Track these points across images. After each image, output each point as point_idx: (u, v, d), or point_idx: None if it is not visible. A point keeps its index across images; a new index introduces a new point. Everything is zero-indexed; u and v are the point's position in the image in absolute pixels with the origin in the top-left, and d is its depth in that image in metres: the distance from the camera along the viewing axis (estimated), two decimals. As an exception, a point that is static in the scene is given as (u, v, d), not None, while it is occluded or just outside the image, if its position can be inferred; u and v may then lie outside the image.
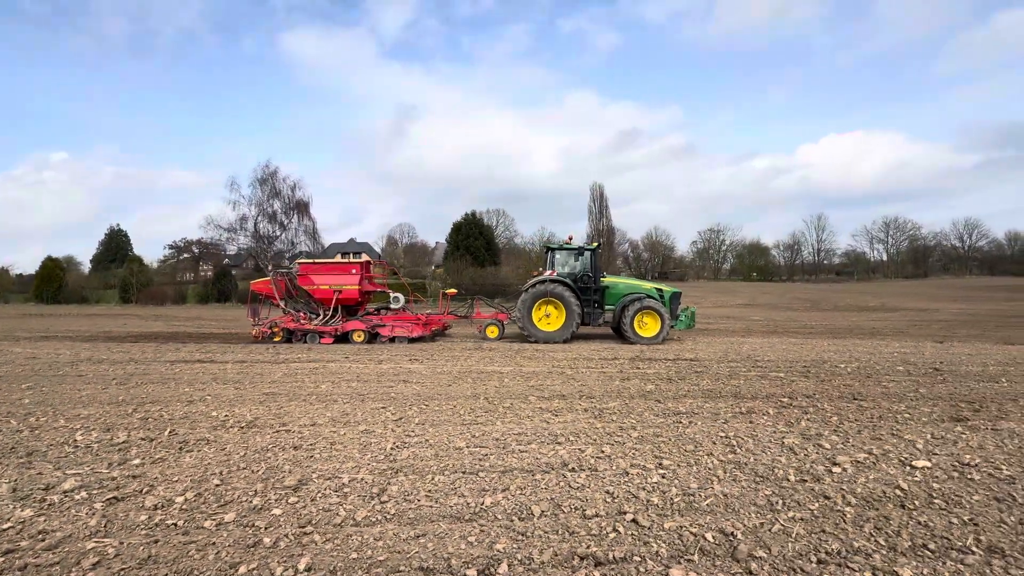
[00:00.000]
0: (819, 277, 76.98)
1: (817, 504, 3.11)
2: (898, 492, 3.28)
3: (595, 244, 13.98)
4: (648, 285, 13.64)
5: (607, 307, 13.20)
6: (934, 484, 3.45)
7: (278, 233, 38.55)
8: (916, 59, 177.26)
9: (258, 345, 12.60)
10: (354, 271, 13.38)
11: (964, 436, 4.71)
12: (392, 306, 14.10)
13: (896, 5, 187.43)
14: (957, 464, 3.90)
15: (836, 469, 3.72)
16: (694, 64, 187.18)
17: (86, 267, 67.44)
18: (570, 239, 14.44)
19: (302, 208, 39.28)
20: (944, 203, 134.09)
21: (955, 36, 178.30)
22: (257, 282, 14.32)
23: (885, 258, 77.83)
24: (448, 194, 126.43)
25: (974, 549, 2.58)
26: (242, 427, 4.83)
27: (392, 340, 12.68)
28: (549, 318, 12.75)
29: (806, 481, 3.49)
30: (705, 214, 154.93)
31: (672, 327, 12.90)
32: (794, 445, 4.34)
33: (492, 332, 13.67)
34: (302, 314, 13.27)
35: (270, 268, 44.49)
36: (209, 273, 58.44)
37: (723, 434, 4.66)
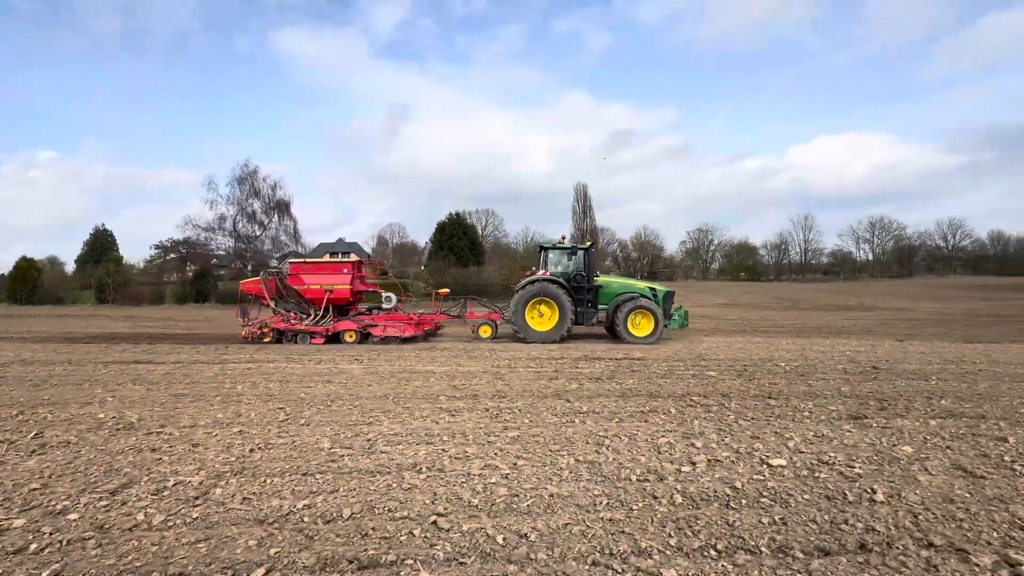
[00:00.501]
0: (806, 277, 77.44)
1: (640, 504, 3.07)
2: (729, 491, 3.25)
3: (588, 243, 13.90)
4: (642, 284, 13.55)
5: (600, 307, 13.11)
6: (772, 483, 3.43)
7: (258, 233, 38.32)
8: (905, 61, 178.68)
9: (206, 345, 12.47)
10: (345, 271, 13.22)
11: (847, 434, 4.70)
12: (384, 306, 13.95)
13: (885, 8, 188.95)
14: (815, 462, 3.88)
15: (686, 468, 3.69)
16: (688, 65, 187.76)
17: (71, 267, 66.80)
18: (563, 239, 14.33)
19: (282, 208, 39.05)
20: (932, 204, 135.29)
21: (943, 39, 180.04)
22: (246, 282, 14.12)
23: (871, 258, 78.32)
24: (442, 194, 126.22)
25: (762, 549, 2.54)
26: (117, 429, 4.75)
27: (384, 340, 12.53)
28: (543, 318, 12.67)
29: (646, 481, 3.45)
30: (698, 214, 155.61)
31: (665, 327, 12.83)
32: (665, 444, 4.30)
33: (485, 332, 13.46)
34: (292, 314, 13.10)
35: (249, 268, 44.22)
36: (250, 273, 58.18)
37: (603, 433, 4.62)
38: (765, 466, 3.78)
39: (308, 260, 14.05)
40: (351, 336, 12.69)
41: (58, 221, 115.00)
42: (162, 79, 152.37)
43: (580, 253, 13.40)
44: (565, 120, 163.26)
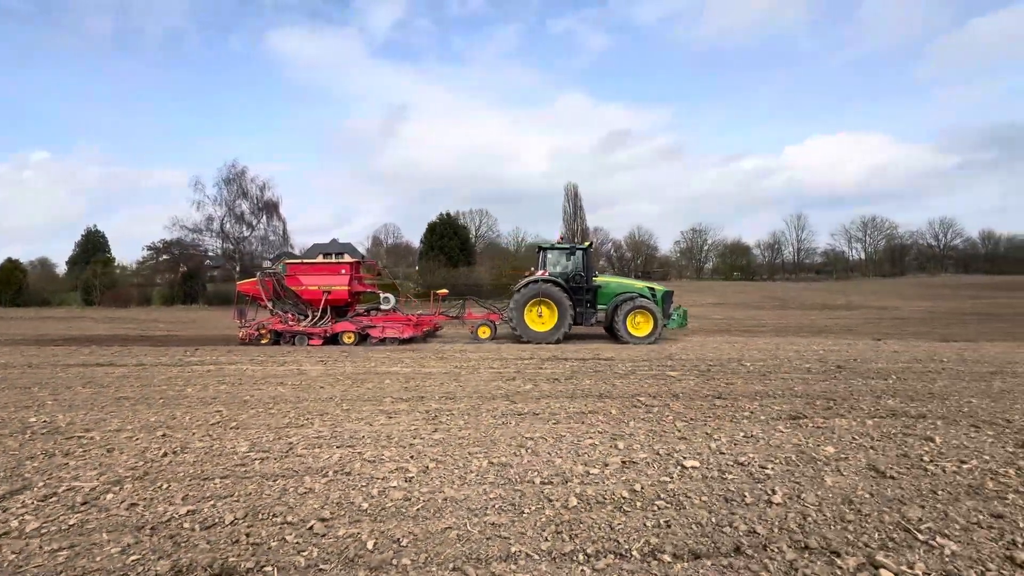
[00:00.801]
0: (799, 276, 77.62)
1: (533, 508, 3.04)
2: (627, 494, 3.22)
3: (587, 244, 13.82)
4: (640, 284, 13.50)
5: (599, 307, 13.05)
6: (676, 485, 3.40)
7: (246, 234, 38.16)
8: (899, 62, 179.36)
9: (179, 347, 12.38)
10: (343, 271, 13.06)
11: (777, 434, 4.68)
12: (382, 307, 13.82)
13: (878, 9, 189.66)
14: (730, 463, 3.86)
15: (596, 471, 3.66)
16: (684, 65, 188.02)
17: (62, 268, 66.48)
18: (561, 239, 14.26)
19: (271, 208, 38.89)
20: (926, 203, 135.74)
21: (936, 39, 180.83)
22: (243, 283, 13.96)
23: (863, 257, 78.57)
24: (439, 194, 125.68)
25: (632, 552, 2.52)
26: (42, 433, 4.70)
27: (383, 341, 12.44)
28: (542, 318, 12.61)
29: (549, 484, 3.42)
30: (694, 214, 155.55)
31: (664, 326, 12.78)
32: (588, 446, 4.27)
33: (484, 333, 13.35)
34: (290, 315, 12.99)
35: (238, 270, 44.04)
36: (200, 273, 57.93)
37: (531, 435, 4.59)
38: (678, 468, 3.76)
39: (306, 261, 13.80)
40: (349, 337, 12.56)
41: (52, 222, 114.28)
42: (157, 79, 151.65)
43: (579, 253, 13.35)
44: (562, 120, 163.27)
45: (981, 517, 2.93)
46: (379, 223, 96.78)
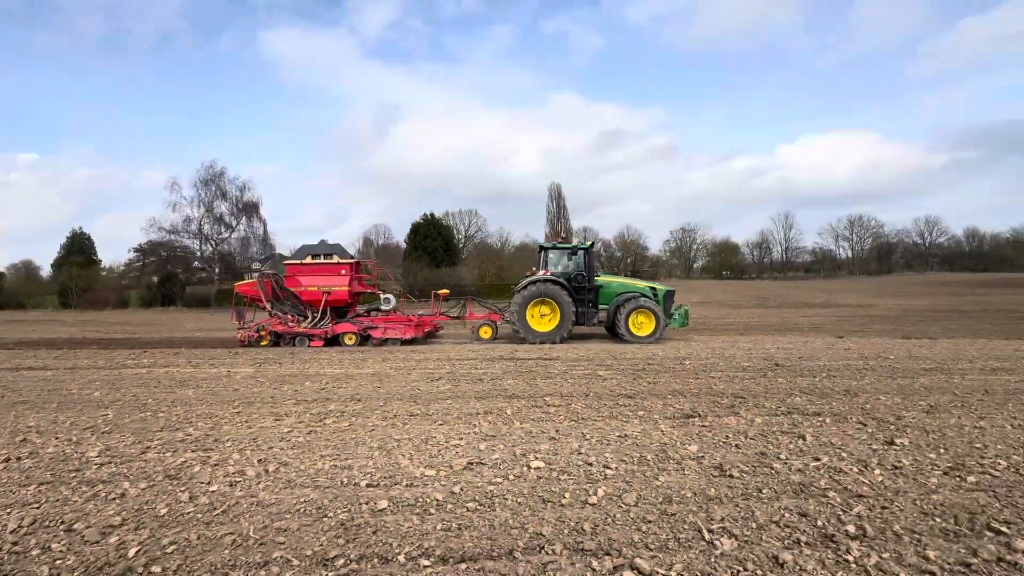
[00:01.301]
0: (787, 275, 77.93)
1: (334, 512, 2.97)
2: (440, 497, 3.15)
3: (589, 243, 13.71)
4: (641, 284, 13.45)
5: (601, 307, 13.01)
6: (506, 486, 3.35)
7: (225, 235, 37.94)
8: (889, 62, 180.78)
9: (129, 350, 12.24)
10: (343, 272, 12.96)
11: (654, 433, 4.64)
12: (383, 307, 13.70)
13: (869, 10, 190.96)
14: (577, 463, 3.80)
15: (431, 473, 3.60)
16: (677, 66, 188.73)
17: (48, 271, 65.85)
18: (562, 239, 14.26)
19: (251, 209, 38.68)
20: (916, 202, 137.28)
21: (925, 40, 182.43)
22: (241, 284, 13.78)
23: (850, 255, 79.03)
24: (432, 195, 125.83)
25: (398, 557, 2.45)
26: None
27: (384, 342, 12.35)
28: (544, 318, 12.55)
29: (375, 486, 3.36)
30: (687, 214, 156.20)
31: (666, 326, 12.72)
32: (451, 447, 4.21)
33: (485, 333, 13.31)
34: (290, 316, 12.87)
35: (217, 271, 43.73)
36: (179, 275, 57.54)
37: (401, 437, 4.52)
38: (522, 469, 3.70)
39: (305, 261, 13.65)
40: (351, 338, 12.45)
41: (42, 224, 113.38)
42: (148, 80, 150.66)
43: (581, 253, 13.28)
44: (555, 120, 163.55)
45: (786, 516, 2.89)
46: (371, 223, 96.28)
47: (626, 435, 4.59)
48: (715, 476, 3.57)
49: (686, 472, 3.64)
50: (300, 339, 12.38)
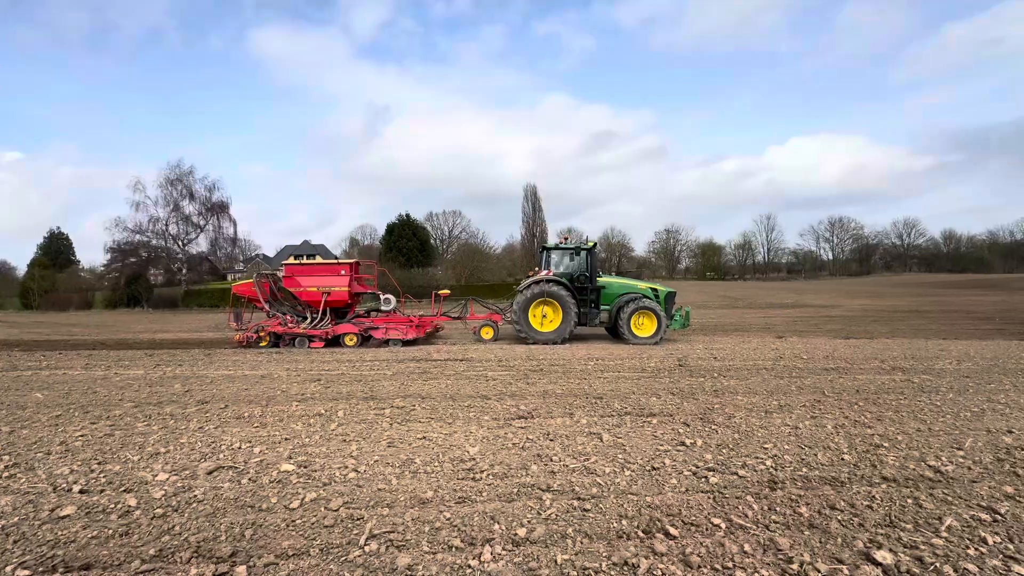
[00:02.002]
0: (768, 276, 78.42)
1: (125, 506, 2.88)
2: (133, 503, 3.07)
3: (592, 244, 13.47)
4: (643, 285, 13.36)
5: (603, 307, 12.90)
6: (227, 486, 3.26)
7: (193, 236, 37.56)
8: (875, 66, 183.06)
9: (50, 352, 12.02)
10: (343, 272, 12.75)
11: (462, 435, 4.58)
12: (383, 308, 13.51)
13: (855, 14, 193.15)
14: (331, 466, 3.73)
15: (162, 476, 3.51)
16: (666, 68, 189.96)
17: (23, 272, 64.94)
18: (565, 239, 13.90)
19: (219, 210, 38.31)
20: (901, 203, 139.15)
21: (909, 45, 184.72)
22: (239, 284, 13.62)
23: (831, 257, 79.68)
24: (422, 195, 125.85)
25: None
26: None
27: (386, 343, 12.19)
28: (546, 318, 12.44)
29: (87, 491, 3.27)
30: (677, 215, 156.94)
31: (667, 327, 12.62)
32: (226, 448, 4.13)
33: (487, 333, 13.19)
34: (289, 317, 12.65)
35: (185, 272, 43.28)
36: (159, 278, 56.84)
37: (260, 435, 4.50)
38: (267, 472, 3.62)
39: (304, 261, 13.49)
40: (352, 339, 12.25)
41: (25, 224, 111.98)
42: (134, 78, 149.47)
43: (583, 253, 13.14)
44: (545, 122, 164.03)
45: (475, 520, 2.82)
46: (363, 225, 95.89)
47: (427, 437, 4.51)
48: (460, 479, 3.50)
49: (428, 471, 3.57)
50: (300, 340, 12.15)
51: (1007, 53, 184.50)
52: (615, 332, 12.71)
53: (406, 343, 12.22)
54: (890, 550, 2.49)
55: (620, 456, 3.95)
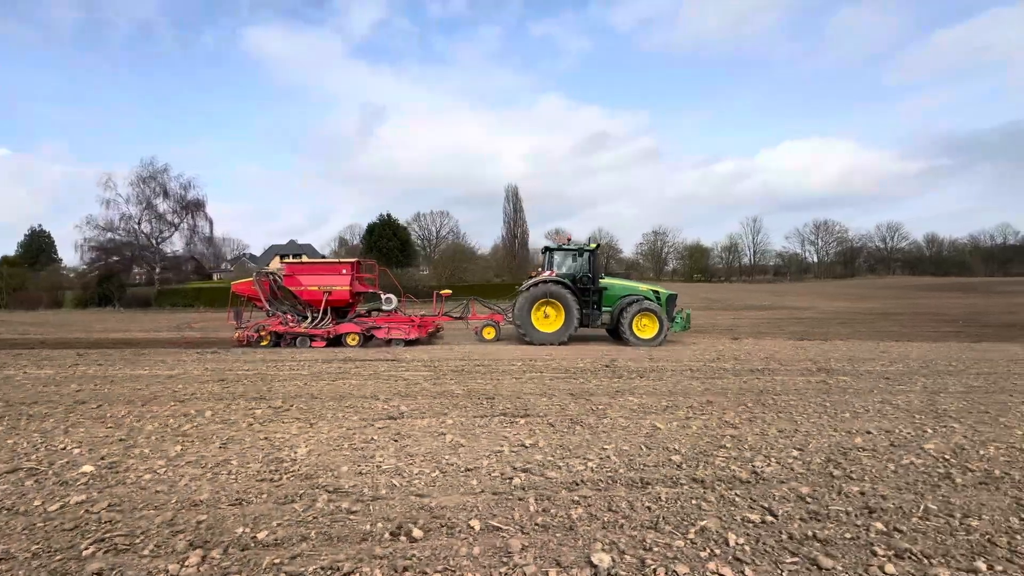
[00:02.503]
0: (754, 278, 78.80)
1: None
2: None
3: (595, 245, 13.49)
4: (645, 287, 13.33)
5: (604, 309, 12.82)
6: (42, 482, 3.17)
7: (167, 234, 37.17)
8: (868, 70, 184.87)
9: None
10: (344, 271, 12.60)
11: (319, 433, 4.51)
12: (384, 307, 13.29)
13: (848, 17, 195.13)
14: (145, 466, 3.63)
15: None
16: (661, 69, 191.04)
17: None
18: (568, 240, 13.82)
19: (193, 208, 37.94)
20: (892, 207, 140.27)
21: (900, 50, 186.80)
22: (239, 283, 13.37)
23: (816, 259, 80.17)
24: (416, 195, 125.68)
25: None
26: None
27: (389, 343, 12.06)
28: (548, 319, 12.37)
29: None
30: (671, 217, 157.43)
31: (669, 329, 12.55)
32: (133, 445, 4.03)
33: (489, 333, 13.12)
34: (290, 316, 12.51)
35: (158, 271, 42.87)
36: (142, 277, 56.16)
37: (136, 431, 4.36)
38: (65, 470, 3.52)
39: (305, 260, 13.42)
40: (354, 339, 12.11)
41: (10, 222, 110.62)
42: (126, 75, 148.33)
43: (586, 255, 13.09)
44: (541, 122, 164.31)
45: (191, 523, 2.73)
46: (354, 224, 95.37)
47: (269, 439, 4.42)
48: (260, 480, 3.41)
49: (232, 475, 3.49)
50: (301, 339, 12.01)
51: (996, 59, 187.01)
52: (616, 334, 12.66)
53: (408, 343, 12.09)
54: (620, 552, 2.42)
55: (446, 458, 3.87)
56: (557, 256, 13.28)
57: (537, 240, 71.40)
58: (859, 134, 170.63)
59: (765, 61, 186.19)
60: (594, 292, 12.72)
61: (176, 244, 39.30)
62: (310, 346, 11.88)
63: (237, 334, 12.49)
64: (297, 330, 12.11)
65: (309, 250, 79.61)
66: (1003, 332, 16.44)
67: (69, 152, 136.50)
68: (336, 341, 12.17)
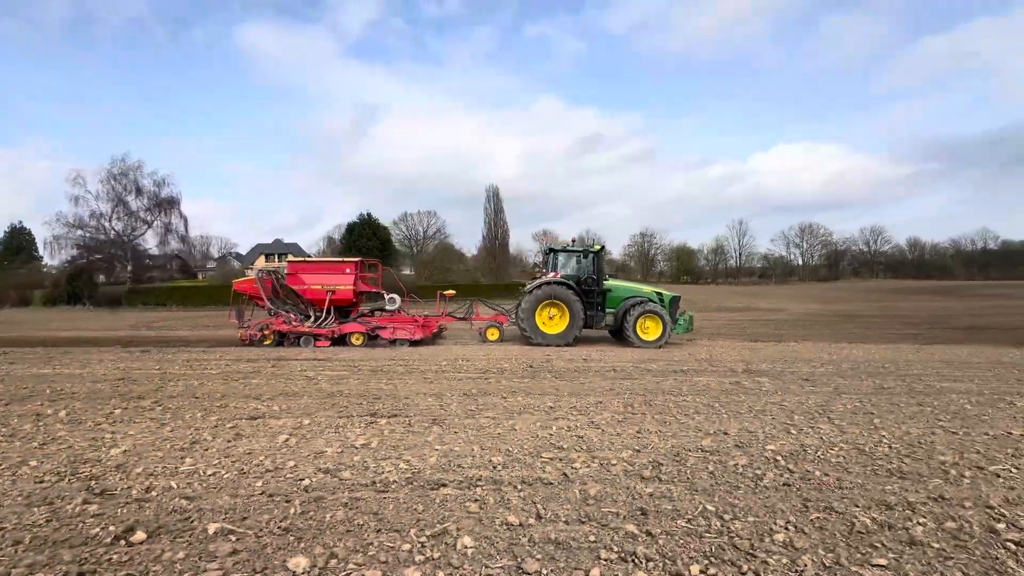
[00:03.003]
0: (740, 280, 79.21)
1: None
2: None
3: (599, 247, 13.39)
4: (648, 289, 13.31)
5: (608, 310, 12.77)
6: None
7: (140, 231, 36.72)
8: (857, 75, 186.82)
9: None
10: (348, 270, 12.49)
11: (142, 433, 4.37)
12: (387, 307, 13.17)
13: (837, 24, 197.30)
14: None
15: None
16: (655, 72, 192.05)
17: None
18: (573, 241, 13.73)
19: (167, 205, 37.50)
20: (881, 211, 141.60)
21: (889, 56, 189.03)
22: (240, 281, 13.23)
23: (801, 262, 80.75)
24: (409, 195, 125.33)
25: None
26: None
27: (393, 343, 11.94)
28: (552, 320, 12.30)
29: None
30: (664, 219, 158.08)
31: (672, 331, 12.50)
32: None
33: (493, 334, 13.03)
34: (292, 315, 12.35)
35: (129, 269, 42.36)
36: (126, 276, 55.48)
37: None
38: None
39: (309, 259, 13.38)
40: (358, 339, 12.02)
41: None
42: (116, 73, 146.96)
43: (591, 256, 13.03)
44: (535, 124, 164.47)
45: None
46: (342, 224, 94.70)
47: (97, 437, 4.29)
48: (36, 482, 3.28)
49: (21, 476, 3.35)
50: (305, 339, 11.91)
51: (981, 67, 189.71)
52: (619, 335, 12.62)
53: (413, 343, 12.01)
54: (331, 556, 2.32)
55: (260, 459, 3.76)
56: (561, 257, 13.20)
57: (520, 242, 70.87)
58: (849, 138, 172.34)
59: (757, 65, 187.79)
60: (598, 294, 12.64)
61: (150, 242, 38.79)
62: (314, 346, 11.81)
63: (240, 333, 12.39)
64: (301, 329, 12.02)
65: (295, 249, 78.94)
66: (960, 335, 16.57)
67: (59, 149, 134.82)
68: (340, 341, 12.10)
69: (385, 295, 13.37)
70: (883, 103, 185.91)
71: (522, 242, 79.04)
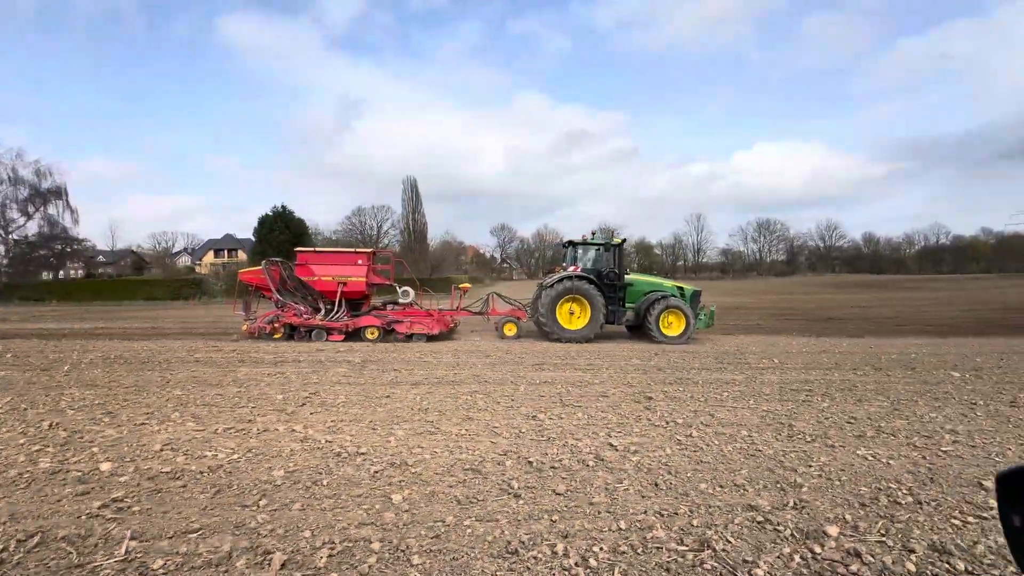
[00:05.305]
0: (699, 275, 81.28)
1: None
2: None
3: (620, 240, 13.29)
4: (669, 284, 13.17)
5: (628, 305, 12.63)
6: None
7: (20, 223, 34.98)
8: (836, 76, 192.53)
9: None
10: (360, 261, 12.30)
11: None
12: (400, 300, 12.98)
13: (817, 25, 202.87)
14: None
15: None
16: (639, 70, 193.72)
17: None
18: (593, 234, 13.48)
19: (51, 197, 35.82)
20: (862, 208, 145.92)
21: (866, 57, 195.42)
22: (246, 272, 12.87)
23: (758, 257, 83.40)
24: (393, 190, 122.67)
25: None
26: None
27: (410, 337, 11.74)
28: (573, 316, 12.12)
29: None
30: (648, 217, 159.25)
31: (695, 326, 12.37)
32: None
33: (510, 330, 12.80)
34: (303, 308, 12.08)
35: (5, 263, 39.52)
36: (80, 272, 52.91)
37: None
38: None
39: (319, 249, 13.04)
40: (373, 332, 11.79)
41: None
42: (91, 61, 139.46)
43: (612, 249, 12.85)
44: (520, 120, 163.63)
45: None
46: (330, 219, 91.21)
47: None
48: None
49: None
50: (318, 332, 11.70)
51: (956, 68, 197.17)
52: (639, 330, 12.56)
53: (430, 338, 11.91)
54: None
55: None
56: (580, 251, 13.03)
57: (437, 234, 68.47)
58: (828, 137, 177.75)
59: (739, 64, 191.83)
60: (620, 288, 12.56)
61: (29, 234, 36.77)
62: (326, 339, 11.68)
63: (246, 326, 12.13)
64: (313, 322, 11.83)
65: (249, 244, 76.37)
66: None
67: (30, 142, 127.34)
68: (354, 334, 11.98)
69: (398, 288, 13.25)
70: (860, 103, 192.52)
71: (432, 234, 76.35)
